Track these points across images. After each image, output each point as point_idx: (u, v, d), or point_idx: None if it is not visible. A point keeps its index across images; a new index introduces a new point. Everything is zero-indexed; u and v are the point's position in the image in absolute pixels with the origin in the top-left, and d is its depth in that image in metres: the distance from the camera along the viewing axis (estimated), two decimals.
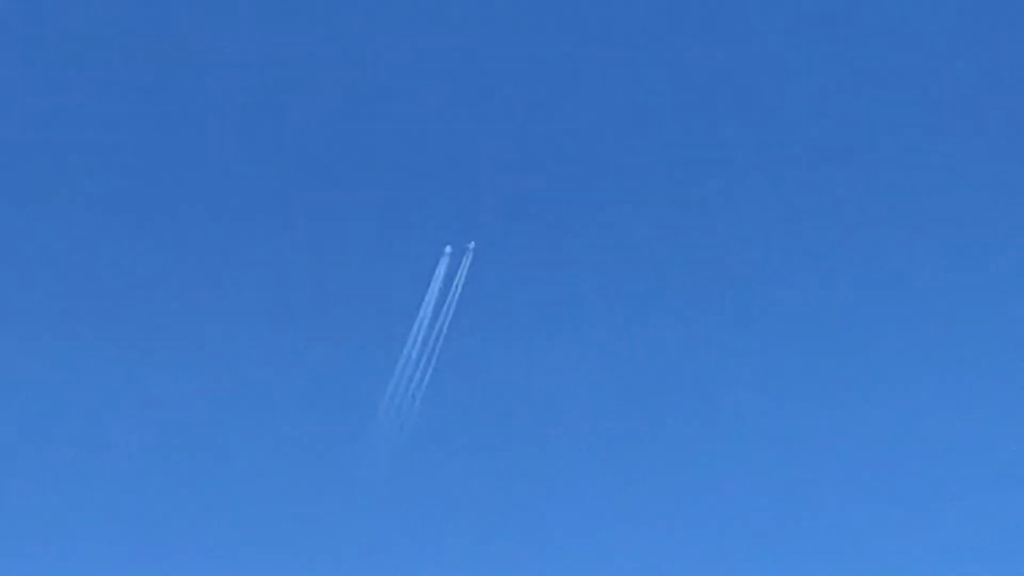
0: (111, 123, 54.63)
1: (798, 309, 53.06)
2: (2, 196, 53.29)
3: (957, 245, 53.59)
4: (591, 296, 52.93)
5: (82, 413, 50.15)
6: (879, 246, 53.67)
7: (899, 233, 53.97)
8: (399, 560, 48.22)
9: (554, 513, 49.54)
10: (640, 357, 51.89)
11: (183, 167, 53.92)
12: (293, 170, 54.22)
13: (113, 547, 48.15)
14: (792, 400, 51.61)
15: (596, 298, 52.93)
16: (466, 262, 49.22)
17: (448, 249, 49.84)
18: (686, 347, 52.28)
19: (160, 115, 54.75)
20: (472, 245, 49.66)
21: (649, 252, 53.73)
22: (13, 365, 50.75)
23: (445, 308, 48.70)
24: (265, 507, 48.90)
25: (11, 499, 48.49)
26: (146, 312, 52.05)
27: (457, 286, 48.83)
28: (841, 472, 50.09)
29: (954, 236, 53.71)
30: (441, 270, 49.40)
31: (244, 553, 48.24)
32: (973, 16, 55.55)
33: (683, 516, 49.72)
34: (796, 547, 49.08)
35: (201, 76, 54.93)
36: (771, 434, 50.94)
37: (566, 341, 52.14)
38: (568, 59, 55.61)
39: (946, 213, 54.15)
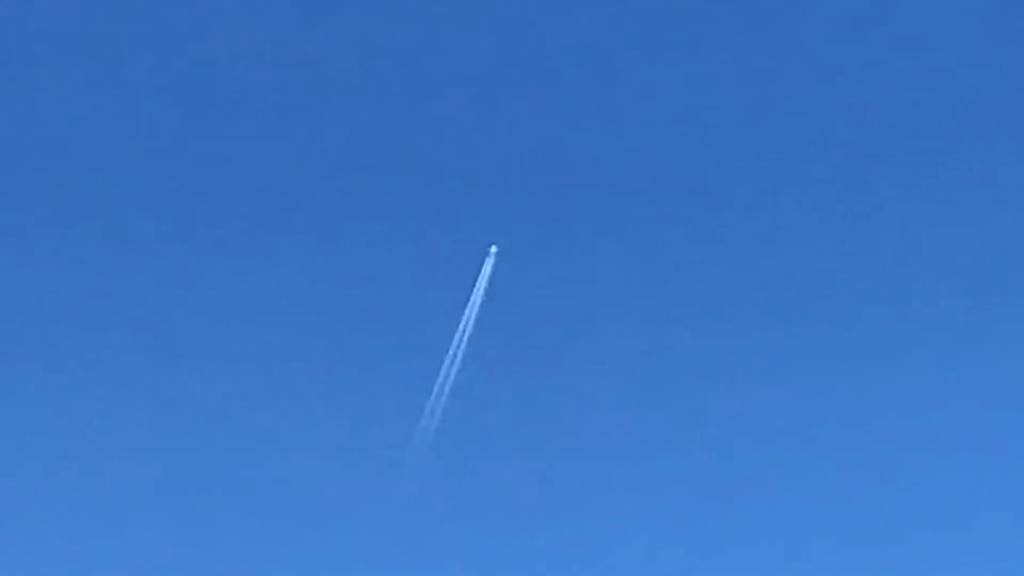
0: (125, 124, 54.06)
1: (832, 315, 53.05)
2: (10, 198, 53.30)
3: (987, 248, 53.89)
4: (625, 299, 52.84)
5: (122, 420, 49.61)
6: (907, 254, 54.00)
7: (930, 236, 54.16)
8: (438, 565, 48.46)
9: (590, 516, 48.95)
10: (680, 362, 52.01)
11: (216, 171, 53.78)
12: (330, 173, 54.14)
13: (144, 550, 47.47)
14: (826, 405, 51.62)
15: (630, 301, 52.75)
16: (487, 266, 49.45)
17: (494, 249, 49.63)
18: (720, 352, 52.26)
19: (184, 114, 54.13)
20: (494, 249, 49.97)
21: (683, 255, 53.59)
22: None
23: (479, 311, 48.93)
24: (306, 513, 48.21)
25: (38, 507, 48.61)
26: (181, 316, 51.29)
27: (479, 289, 48.90)
28: (868, 478, 49.99)
29: (985, 239, 53.95)
30: (487, 271, 49.51)
31: (278, 557, 47.95)
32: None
33: (718, 519, 49.51)
34: (822, 550, 49.31)
35: (232, 74, 54.64)
36: (804, 440, 50.85)
37: (602, 345, 52.08)
38: (606, 62, 55.67)
39: (975, 216, 54.37)
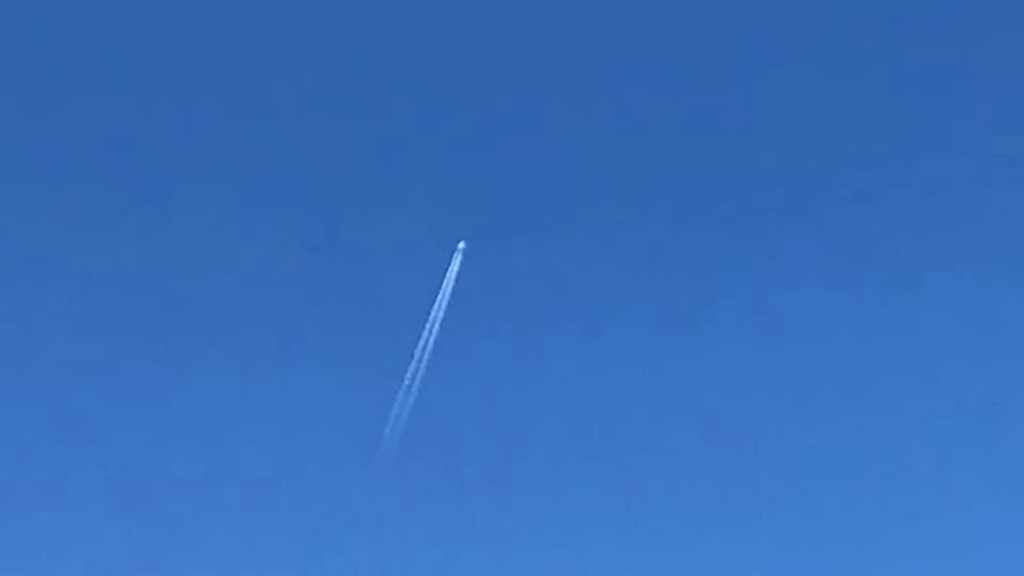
0: (112, 122, 54.85)
1: (804, 313, 52.94)
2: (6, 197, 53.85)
3: (971, 247, 53.47)
4: (594, 298, 52.93)
5: (85, 420, 50.10)
6: (888, 249, 53.61)
7: (909, 235, 53.92)
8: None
9: (556, 518, 49.20)
10: (648, 362, 51.96)
11: (184, 167, 54.24)
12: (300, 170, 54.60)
13: (115, 554, 47.67)
14: (791, 399, 51.46)
15: (599, 299, 52.88)
16: (455, 263, 49.57)
17: (462, 245, 49.72)
18: (689, 350, 52.17)
19: (160, 114, 54.91)
20: (462, 246, 49.86)
21: (652, 252, 53.73)
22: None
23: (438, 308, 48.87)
24: (273, 516, 48.47)
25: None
26: (159, 314, 51.97)
27: (447, 286, 48.91)
28: (852, 478, 49.94)
29: (968, 238, 53.62)
30: (455, 267, 49.50)
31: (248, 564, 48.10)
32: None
33: (685, 521, 49.39)
34: (806, 550, 49.07)
35: (207, 73, 55.24)
36: (770, 437, 50.65)
37: (569, 344, 52.09)
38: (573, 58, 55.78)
39: (957, 215, 54.10)
